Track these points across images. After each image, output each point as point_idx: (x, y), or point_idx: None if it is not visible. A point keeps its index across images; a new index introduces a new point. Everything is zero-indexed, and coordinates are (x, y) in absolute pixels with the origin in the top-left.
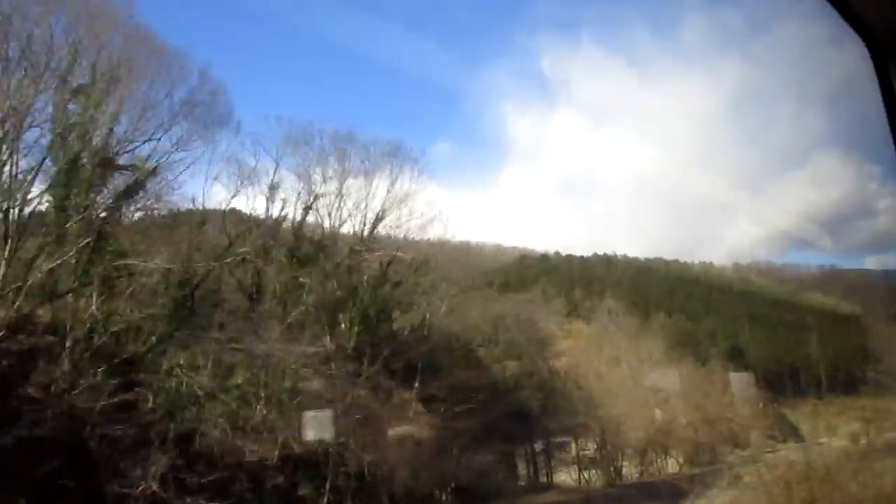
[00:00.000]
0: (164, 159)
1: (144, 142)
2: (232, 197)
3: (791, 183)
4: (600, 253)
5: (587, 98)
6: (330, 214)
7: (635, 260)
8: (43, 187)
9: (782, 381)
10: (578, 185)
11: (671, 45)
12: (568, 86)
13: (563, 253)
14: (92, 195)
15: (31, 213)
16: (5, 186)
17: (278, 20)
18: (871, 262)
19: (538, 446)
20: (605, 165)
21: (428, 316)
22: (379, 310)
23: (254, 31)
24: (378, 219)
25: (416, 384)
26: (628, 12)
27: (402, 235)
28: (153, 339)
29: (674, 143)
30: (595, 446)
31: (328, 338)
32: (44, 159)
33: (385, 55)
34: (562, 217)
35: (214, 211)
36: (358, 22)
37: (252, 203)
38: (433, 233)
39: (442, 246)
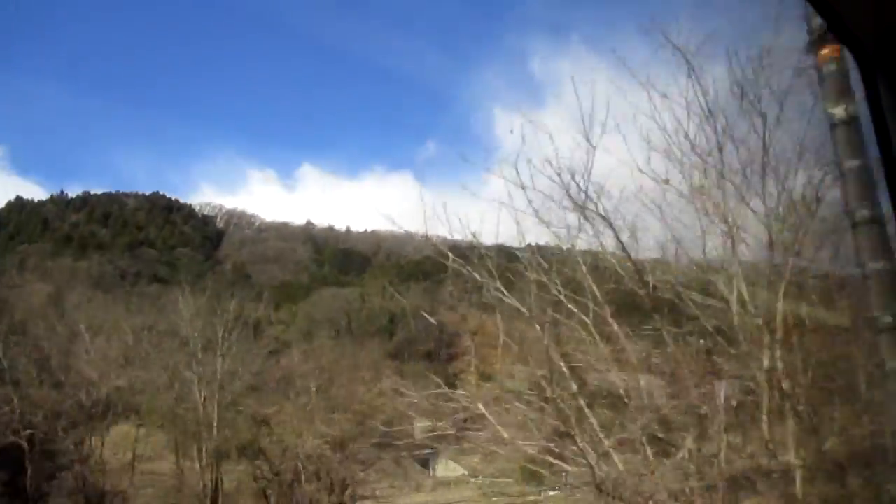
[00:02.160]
0: None
1: None
2: None
3: (773, 189)
4: (533, 243)
5: (576, 100)
6: None
7: (558, 249)
8: None
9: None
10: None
11: (660, 50)
12: (557, 87)
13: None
14: None
15: None
16: None
17: (267, 19)
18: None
19: None
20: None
21: None
22: None
23: (241, 30)
24: None
25: None
26: (618, 15)
27: None
28: None
29: (659, 144)
30: None
31: None
32: None
33: (373, 55)
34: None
35: None
36: (345, 21)
37: None
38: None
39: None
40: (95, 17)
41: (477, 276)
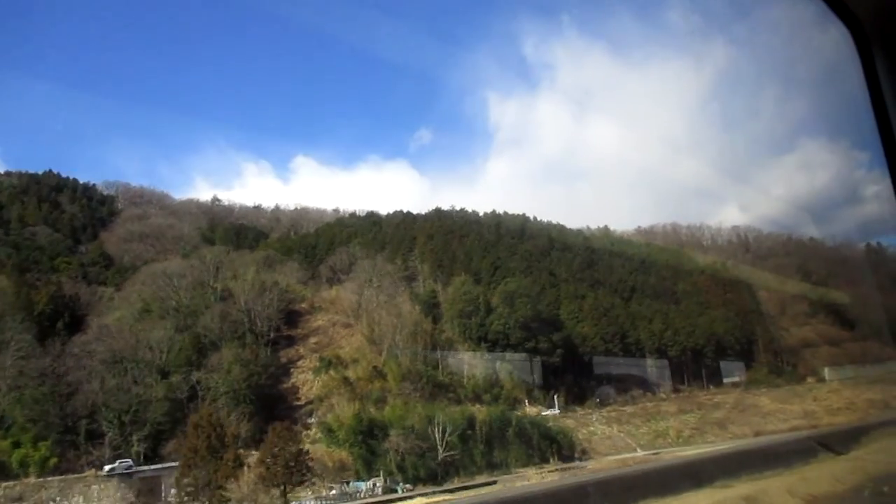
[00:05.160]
0: None
1: None
2: None
3: (776, 168)
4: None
5: (570, 83)
6: None
7: (474, 214)
8: None
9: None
10: (560, 169)
11: (654, 29)
12: (550, 70)
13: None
14: None
15: None
16: None
17: (257, 10)
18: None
19: None
20: (586, 148)
21: None
22: None
23: (231, 23)
24: None
25: None
26: None
27: None
28: None
29: (656, 127)
30: None
31: None
32: None
33: (363, 42)
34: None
35: None
36: (334, 9)
37: None
38: None
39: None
40: (87, 9)
41: None
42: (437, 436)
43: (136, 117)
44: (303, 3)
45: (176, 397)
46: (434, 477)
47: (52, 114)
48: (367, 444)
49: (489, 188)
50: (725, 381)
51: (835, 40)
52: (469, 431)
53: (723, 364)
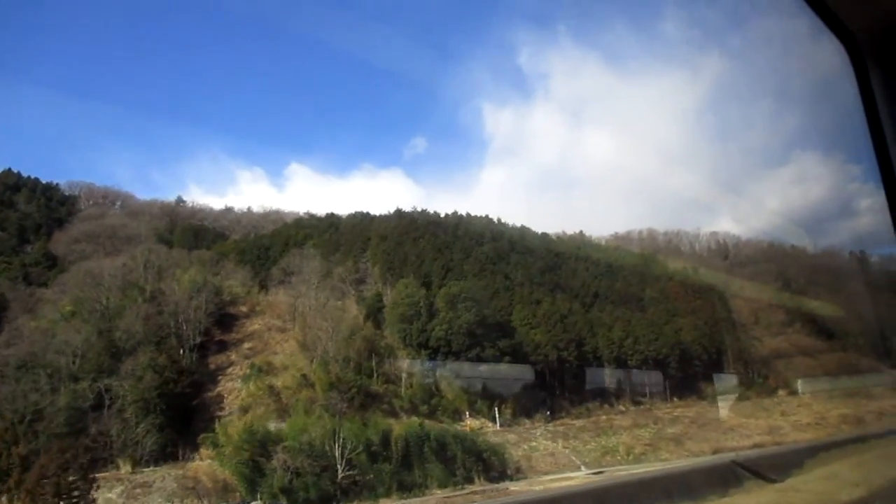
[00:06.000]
0: None
1: None
2: None
3: (769, 181)
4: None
5: (565, 92)
6: None
7: (435, 216)
8: None
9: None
10: (554, 177)
11: (649, 40)
12: (546, 80)
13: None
14: None
15: None
16: None
17: (253, 18)
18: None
19: None
20: (580, 157)
21: None
22: None
23: (226, 31)
24: None
25: None
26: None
27: None
28: None
29: (650, 137)
30: None
31: None
32: None
33: (358, 50)
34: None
35: None
36: (330, 17)
37: None
38: None
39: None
40: (79, 16)
41: None
42: (336, 452)
43: (126, 121)
44: (298, 11)
45: (79, 406)
46: (329, 500)
47: (46, 119)
48: (256, 461)
49: (484, 196)
50: (689, 393)
51: (829, 54)
52: (379, 448)
53: (690, 375)
